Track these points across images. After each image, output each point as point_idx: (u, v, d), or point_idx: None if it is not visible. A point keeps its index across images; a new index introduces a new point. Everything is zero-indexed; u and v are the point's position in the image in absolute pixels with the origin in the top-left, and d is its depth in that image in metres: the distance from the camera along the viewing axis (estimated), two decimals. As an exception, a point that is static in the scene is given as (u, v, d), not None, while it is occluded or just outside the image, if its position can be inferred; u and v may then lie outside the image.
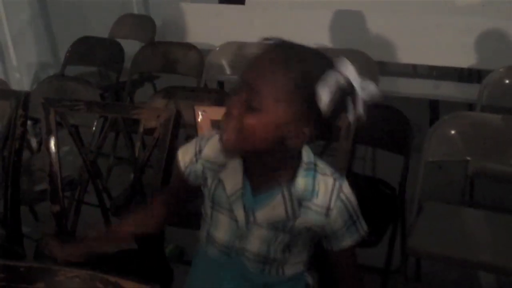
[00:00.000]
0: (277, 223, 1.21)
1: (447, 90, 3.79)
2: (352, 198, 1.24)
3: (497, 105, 2.75)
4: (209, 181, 1.27)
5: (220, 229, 1.27)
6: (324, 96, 1.09)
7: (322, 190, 1.21)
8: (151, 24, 4.23)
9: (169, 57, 3.53)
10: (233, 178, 1.23)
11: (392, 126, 2.28)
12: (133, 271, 1.57)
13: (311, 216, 1.21)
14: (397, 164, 2.20)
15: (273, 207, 1.21)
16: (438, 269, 2.38)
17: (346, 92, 1.12)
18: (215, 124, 1.87)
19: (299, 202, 1.20)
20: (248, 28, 4.10)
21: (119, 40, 3.90)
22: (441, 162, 2.23)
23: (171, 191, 1.47)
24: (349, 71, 1.12)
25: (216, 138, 1.26)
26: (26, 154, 2.61)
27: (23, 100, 2.02)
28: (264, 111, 1.11)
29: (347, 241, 1.25)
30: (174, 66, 3.52)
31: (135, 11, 4.66)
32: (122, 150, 3.14)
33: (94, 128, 2.58)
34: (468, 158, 2.24)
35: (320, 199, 1.21)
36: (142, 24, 4.31)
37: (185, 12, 4.48)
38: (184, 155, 1.32)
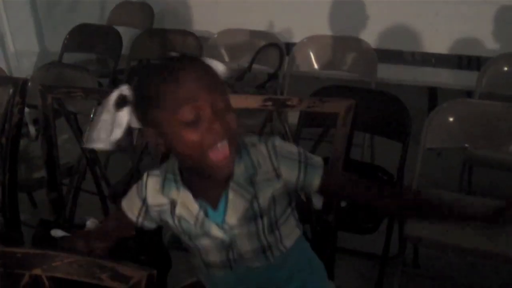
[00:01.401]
0: (247, 213, 1.23)
1: (446, 77, 3.79)
2: (288, 146, 1.27)
3: (495, 92, 2.74)
4: (170, 221, 1.28)
5: (209, 252, 1.29)
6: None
7: (260, 159, 1.22)
8: (149, 11, 4.21)
9: (167, 44, 3.52)
10: (188, 207, 1.24)
11: (390, 113, 2.28)
12: (131, 257, 1.57)
13: (267, 186, 1.22)
14: (395, 151, 2.20)
15: (233, 204, 1.22)
16: (435, 255, 2.39)
17: None
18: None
19: (250, 181, 1.22)
20: (247, 15, 4.09)
21: (117, 27, 3.88)
22: (439, 149, 2.23)
23: (109, 233, 1.41)
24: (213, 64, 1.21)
25: (149, 181, 1.29)
26: (24, 141, 2.62)
27: (20, 87, 2.01)
28: (230, 104, 1.15)
29: (315, 180, 1.25)
30: (172, 53, 3.51)
31: (133, -2, 4.64)
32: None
33: (91, 115, 2.58)
34: (466, 145, 2.25)
35: (264, 167, 1.22)
36: (140, 11, 4.29)
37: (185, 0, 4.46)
38: (131, 208, 1.33)
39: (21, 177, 2.25)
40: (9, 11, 3.95)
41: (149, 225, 1.34)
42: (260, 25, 4.02)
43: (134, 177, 1.97)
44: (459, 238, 1.88)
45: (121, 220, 1.37)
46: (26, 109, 2.11)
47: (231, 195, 1.22)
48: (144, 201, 1.30)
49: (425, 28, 3.71)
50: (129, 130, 2.51)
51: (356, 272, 2.40)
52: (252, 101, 1.64)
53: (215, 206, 1.24)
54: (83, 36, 3.80)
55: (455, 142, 2.19)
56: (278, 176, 1.23)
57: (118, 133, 1.22)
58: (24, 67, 4.04)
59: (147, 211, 1.31)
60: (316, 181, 1.25)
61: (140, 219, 1.33)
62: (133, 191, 1.33)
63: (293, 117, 2.23)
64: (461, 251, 1.97)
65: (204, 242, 1.27)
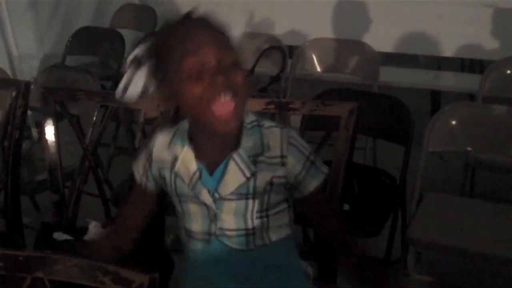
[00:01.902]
0: (241, 189, 1.22)
1: (449, 80, 3.79)
2: (303, 141, 1.26)
3: (498, 95, 2.74)
4: (167, 177, 1.28)
5: (193, 219, 1.28)
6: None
7: (271, 141, 1.22)
8: (152, 14, 4.21)
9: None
10: (186, 166, 1.24)
11: (393, 116, 2.28)
12: (133, 261, 1.57)
13: (268, 169, 1.21)
14: (398, 154, 2.20)
15: (230, 175, 1.21)
16: (438, 259, 2.38)
17: None
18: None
19: (254, 160, 1.21)
20: (249, 17, 4.09)
21: (120, 30, 3.89)
22: (442, 152, 2.23)
23: (132, 208, 1.42)
24: None
25: (159, 135, 1.30)
26: (27, 144, 2.62)
27: (23, 89, 2.01)
28: (240, 62, 1.15)
29: (313, 183, 1.25)
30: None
31: (136, 1, 4.64)
32: (122, 140, 3.14)
33: (94, 118, 2.58)
34: (469, 149, 2.25)
35: (272, 150, 1.22)
36: (143, 13, 4.29)
37: (185, 1, 4.46)
38: (138, 167, 1.34)
39: (24, 179, 2.25)
40: (12, 14, 3.94)
41: (152, 186, 1.33)
42: (263, 28, 4.03)
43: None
44: (461, 241, 1.88)
45: (136, 199, 1.38)
46: (29, 112, 2.11)
47: (231, 165, 1.21)
48: (149, 154, 1.30)
49: (428, 31, 3.71)
50: (131, 131, 2.53)
51: (358, 275, 2.39)
52: (254, 104, 1.64)
53: (211, 171, 1.23)
54: (85, 39, 3.81)
55: (458, 145, 2.19)
56: (283, 164, 1.22)
57: (134, 93, 1.21)
58: (27, 70, 4.04)
59: (150, 166, 1.30)
60: (314, 183, 1.25)
61: (144, 179, 1.32)
62: (144, 150, 1.34)
63: (295, 120, 2.23)
64: (463, 254, 1.97)
65: (192, 207, 1.26)
